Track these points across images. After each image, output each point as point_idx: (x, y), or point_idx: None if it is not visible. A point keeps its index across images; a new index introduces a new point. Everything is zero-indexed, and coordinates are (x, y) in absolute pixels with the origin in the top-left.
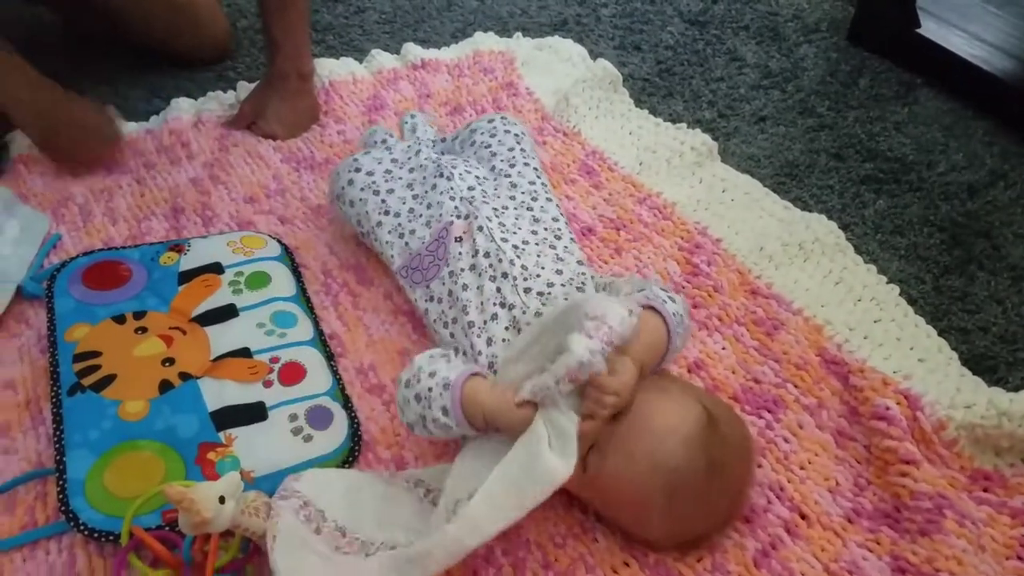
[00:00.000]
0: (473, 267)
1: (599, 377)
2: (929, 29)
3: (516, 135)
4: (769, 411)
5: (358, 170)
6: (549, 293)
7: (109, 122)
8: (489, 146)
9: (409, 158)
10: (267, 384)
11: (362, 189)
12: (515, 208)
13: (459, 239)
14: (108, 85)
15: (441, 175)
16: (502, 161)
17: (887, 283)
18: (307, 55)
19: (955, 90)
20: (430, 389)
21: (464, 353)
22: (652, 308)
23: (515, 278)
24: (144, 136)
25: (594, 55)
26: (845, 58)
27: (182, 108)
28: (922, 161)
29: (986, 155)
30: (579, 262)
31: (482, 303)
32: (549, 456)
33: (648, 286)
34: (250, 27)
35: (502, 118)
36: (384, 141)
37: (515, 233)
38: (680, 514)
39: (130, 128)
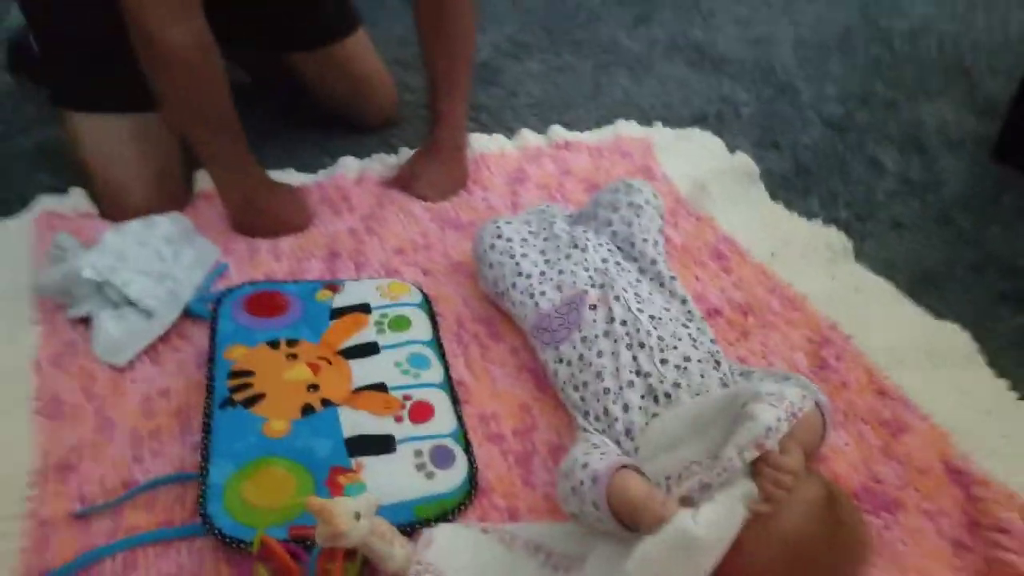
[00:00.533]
0: (608, 334)
1: (778, 457)
2: None
3: (637, 207)
4: (889, 512)
5: (499, 236)
6: (686, 368)
7: (301, 212)
8: (610, 223)
9: (543, 228)
10: (398, 419)
11: (501, 253)
12: (647, 283)
13: (593, 307)
14: (285, 140)
15: (575, 246)
16: (623, 240)
17: (1019, 399)
18: (463, 129)
19: None
20: (581, 482)
21: (596, 418)
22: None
23: (652, 348)
24: (312, 188)
25: (731, 149)
26: (989, 173)
27: (348, 166)
28: None
29: None
30: (712, 341)
31: (617, 369)
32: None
33: (796, 378)
34: (414, 101)
35: (626, 186)
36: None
37: (651, 305)
38: None
39: (301, 179)
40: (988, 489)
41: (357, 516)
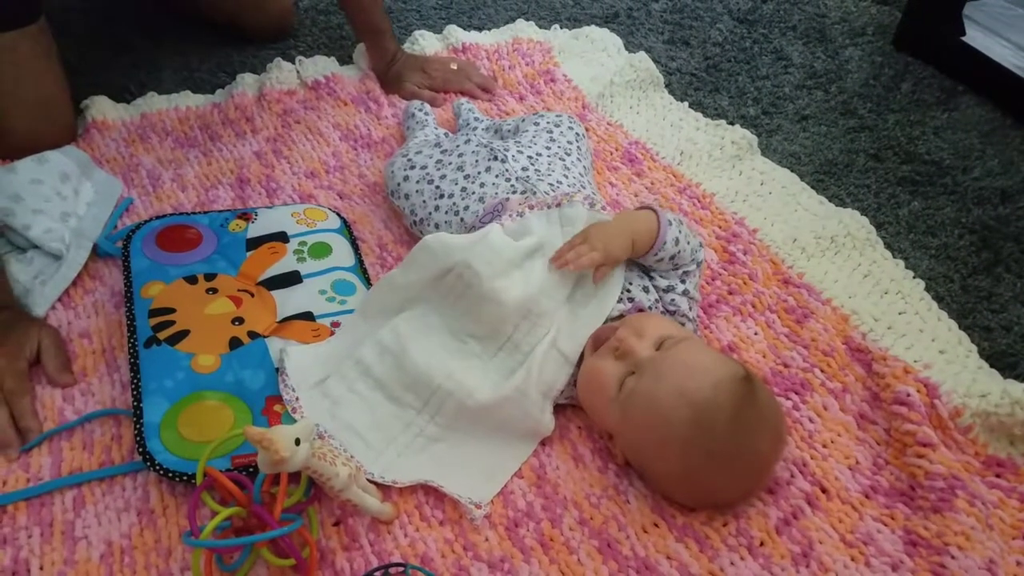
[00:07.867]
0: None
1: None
2: (974, 38)
3: (577, 134)
4: (796, 393)
5: (413, 167)
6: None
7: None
8: (551, 132)
9: (457, 145)
10: None
11: (417, 182)
12: (568, 185)
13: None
14: (181, 59)
15: (495, 158)
16: (559, 147)
17: (913, 278)
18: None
19: (995, 98)
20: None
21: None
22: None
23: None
24: (211, 110)
25: (644, 48)
26: (889, 62)
27: (247, 83)
28: (958, 166)
29: (1021, 163)
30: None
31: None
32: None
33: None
34: (311, 7)
35: (569, 117)
36: (414, 116)
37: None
38: (698, 458)
39: (199, 101)
40: (887, 365)
41: (297, 441)
